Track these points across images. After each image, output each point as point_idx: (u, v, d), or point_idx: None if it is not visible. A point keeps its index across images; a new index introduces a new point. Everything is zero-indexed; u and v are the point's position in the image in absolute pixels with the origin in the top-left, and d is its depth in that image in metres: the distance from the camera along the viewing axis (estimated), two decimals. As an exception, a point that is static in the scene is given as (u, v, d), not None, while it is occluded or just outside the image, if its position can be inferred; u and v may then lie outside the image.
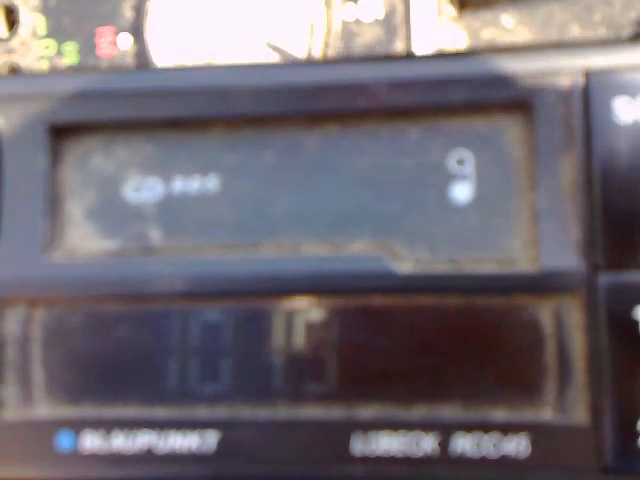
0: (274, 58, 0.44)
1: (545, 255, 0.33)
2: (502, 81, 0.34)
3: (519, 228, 0.34)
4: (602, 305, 0.33)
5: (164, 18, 0.44)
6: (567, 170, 0.33)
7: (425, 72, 0.35)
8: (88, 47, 0.45)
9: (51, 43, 0.45)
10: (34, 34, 0.45)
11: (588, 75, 0.34)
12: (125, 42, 0.44)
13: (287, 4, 0.43)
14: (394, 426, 0.34)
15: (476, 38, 0.45)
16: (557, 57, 0.34)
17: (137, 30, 0.44)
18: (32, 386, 0.36)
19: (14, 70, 0.45)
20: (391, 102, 0.35)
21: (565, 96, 0.34)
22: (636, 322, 0.33)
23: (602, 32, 0.43)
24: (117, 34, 0.45)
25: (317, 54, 0.43)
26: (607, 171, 0.33)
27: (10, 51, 0.45)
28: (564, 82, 0.34)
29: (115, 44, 0.45)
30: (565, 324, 0.33)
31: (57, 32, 0.45)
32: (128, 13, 0.45)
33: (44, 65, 0.45)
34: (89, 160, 0.36)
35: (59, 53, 0.45)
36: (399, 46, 0.43)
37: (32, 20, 0.45)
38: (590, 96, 0.33)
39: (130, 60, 0.44)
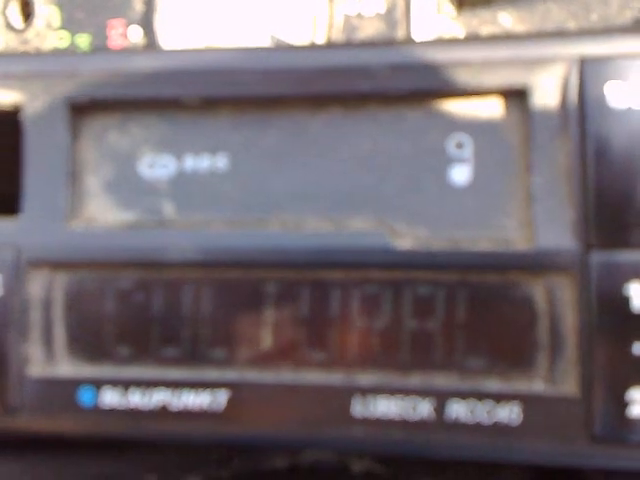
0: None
1: (539, 234, 0.36)
2: (500, 67, 0.36)
3: (515, 209, 0.36)
4: (594, 282, 0.35)
5: (173, 11, 0.46)
6: (561, 153, 0.35)
7: (425, 57, 0.37)
8: (100, 39, 0.47)
9: (65, 34, 0.47)
10: (49, 25, 0.47)
11: (583, 62, 0.35)
12: (135, 34, 0.47)
13: (291, -2, 0.46)
14: (392, 391, 0.36)
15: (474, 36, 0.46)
16: (553, 45, 0.36)
17: (147, 23, 0.46)
18: (55, 345, 0.39)
19: (30, 59, 0.47)
20: (392, 86, 0.37)
21: (560, 82, 0.36)
22: (626, 298, 0.35)
23: (598, 31, 0.45)
24: (128, 26, 0.47)
25: (320, 48, 0.45)
26: (600, 154, 0.35)
27: (25, 42, 0.47)
28: (560, 69, 0.36)
29: (126, 36, 0.47)
30: (558, 300, 0.36)
31: (71, 24, 0.47)
32: (138, 6, 0.47)
33: (58, 55, 0.47)
34: (106, 137, 0.39)
35: (72, 44, 0.47)
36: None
37: (47, 12, 0.47)
38: (584, 82, 0.35)
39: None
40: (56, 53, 0.43)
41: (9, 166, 0.39)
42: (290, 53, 0.38)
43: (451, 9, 0.46)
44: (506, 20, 0.46)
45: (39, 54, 0.42)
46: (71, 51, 0.46)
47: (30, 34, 0.47)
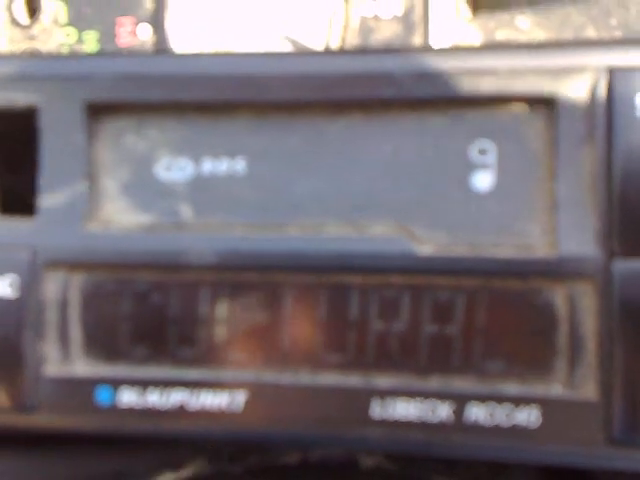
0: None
1: (563, 241, 0.36)
2: (527, 76, 0.36)
3: (538, 216, 0.36)
4: (616, 290, 0.35)
5: (184, 9, 0.46)
6: (587, 162, 0.36)
7: (450, 65, 0.37)
8: (108, 36, 0.47)
9: (72, 31, 0.47)
10: (55, 22, 0.47)
11: (612, 72, 0.36)
12: (145, 32, 0.47)
13: (307, -2, 0.46)
14: (411, 394, 0.37)
15: (491, 39, 0.47)
16: (582, 54, 0.36)
17: (157, 20, 0.46)
18: (71, 345, 0.39)
19: (36, 56, 0.46)
20: (415, 92, 0.37)
21: (588, 92, 0.36)
22: None
23: (618, 36, 0.45)
24: (137, 24, 0.47)
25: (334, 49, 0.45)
26: (627, 164, 0.35)
27: (31, 38, 0.47)
28: (588, 78, 0.36)
29: (135, 34, 0.47)
30: (579, 307, 0.36)
31: (78, 20, 0.47)
32: (148, 4, 0.47)
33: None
34: (123, 139, 0.39)
35: (80, 41, 0.47)
36: (416, 43, 0.45)
37: (53, 8, 0.47)
38: (613, 93, 0.35)
39: (149, 50, 0.46)
40: (73, 55, 0.43)
41: (25, 167, 0.39)
42: (310, 58, 0.39)
43: (468, 12, 0.46)
44: (524, 24, 0.46)
45: (56, 56, 0.42)
46: (88, 53, 0.46)
47: (36, 30, 0.47)
